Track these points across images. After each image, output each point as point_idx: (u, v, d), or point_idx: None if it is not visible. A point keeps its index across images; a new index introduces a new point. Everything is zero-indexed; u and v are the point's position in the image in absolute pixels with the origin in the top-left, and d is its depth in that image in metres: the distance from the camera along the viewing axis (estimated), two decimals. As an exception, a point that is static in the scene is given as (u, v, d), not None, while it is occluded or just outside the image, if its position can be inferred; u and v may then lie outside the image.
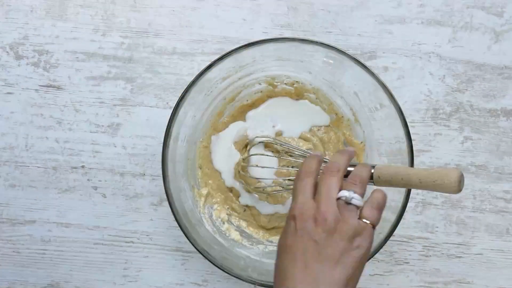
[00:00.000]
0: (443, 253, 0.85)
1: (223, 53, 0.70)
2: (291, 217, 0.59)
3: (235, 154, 0.81)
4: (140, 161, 0.85)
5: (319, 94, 0.80)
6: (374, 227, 0.59)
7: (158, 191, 0.84)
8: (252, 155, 0.78)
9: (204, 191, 0.81)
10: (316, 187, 0.61)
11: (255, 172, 0.78)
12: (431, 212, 0.85)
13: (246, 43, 0.70)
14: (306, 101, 0.81)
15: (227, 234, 0.80)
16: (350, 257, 0.56)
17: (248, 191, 0.80)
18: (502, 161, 0.86)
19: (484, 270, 0.85)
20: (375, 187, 0.62)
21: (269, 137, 0.79)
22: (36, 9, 0.85)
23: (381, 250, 0.72)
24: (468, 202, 0.85)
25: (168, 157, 0.70)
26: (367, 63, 0.83)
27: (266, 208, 0.81)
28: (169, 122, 0.71)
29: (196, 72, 0.71)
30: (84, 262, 0.85)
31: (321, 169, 0.63)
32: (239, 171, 0.80)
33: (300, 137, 0.80)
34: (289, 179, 0.76)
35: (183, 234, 0.72)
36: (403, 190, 0.69)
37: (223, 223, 0.81)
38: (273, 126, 0.81)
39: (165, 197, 0.71)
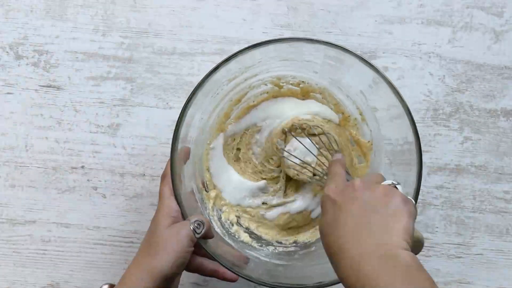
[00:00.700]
0: (443, 253, 0.85)
1: (230, 54, 0.68)
2: (330, 197, 0.59)
3: (230, 168, 0.80)
4: (140, 161, 0.85)
5: (325, 93, 0.80)
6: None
7: (158, 191, 0.84)
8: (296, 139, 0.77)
9: (213, 193, 0.80)
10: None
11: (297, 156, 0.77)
12: (431, 212, 0.85)
13: (251, 44, 0.69)
14: (313, 100, 0.81)
15: (236, 236, 0.79)
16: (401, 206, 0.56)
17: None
18: (502, 162, 0.86)
19: (484, 270, 0.85)
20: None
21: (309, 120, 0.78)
22: (36, 9, 0.85)
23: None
24: (468, 202, 0.85)
25: (176, 162, 0.68)
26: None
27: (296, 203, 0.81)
28: (176, 125, 0.68)
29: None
30: (84, 262, 0.85)
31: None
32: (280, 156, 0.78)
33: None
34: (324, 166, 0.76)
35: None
36: (413, 188, 0.69)
37: (232, 225, 0.80)
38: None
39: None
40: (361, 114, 0.79)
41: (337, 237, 0.56)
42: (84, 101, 0.85)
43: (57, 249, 0.85)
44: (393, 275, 0.50)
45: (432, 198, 0.85)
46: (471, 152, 0.86)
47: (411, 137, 0.69)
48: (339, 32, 0.86)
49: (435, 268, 0.85)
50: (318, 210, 0.81)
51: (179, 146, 0.68)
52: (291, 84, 0.79)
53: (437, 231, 0.85)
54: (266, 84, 0.79)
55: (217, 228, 0.78)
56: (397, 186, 0.59)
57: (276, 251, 0.79)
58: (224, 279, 0.69)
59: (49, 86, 0.85)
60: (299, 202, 0.81)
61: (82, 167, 0.85)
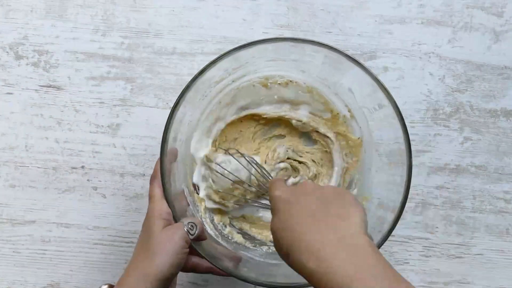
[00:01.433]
0: (443, 253, 0.85)
1: (219, 54, 0.69)
2: (281, 197, 0.59)
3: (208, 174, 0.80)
4: (140, 161, 0.85)
5: (313, 92, 0.80)
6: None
7: (158, 191, 0.84)
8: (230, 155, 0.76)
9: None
10: None
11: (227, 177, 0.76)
12: (431, 213, 0.85)
13: (243, 43, 0.69)
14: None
15: (230, 237, 0.79)
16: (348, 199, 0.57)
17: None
18: (502, 162, 0.86)
19: (484, 270, 0.85)
20: None
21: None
22: (36, 9, 0.85)
23: (381, 250, 0.72)
24: (468, 202, 0.85)
25: (166, 164, 0.68)
26: (367, 63, 0.83)
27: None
28: (165, 126, 0.67)
29: (196, 73, 0.70)
30: (84, 262, 0.85)
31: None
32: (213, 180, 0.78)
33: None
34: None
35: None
36: (402, 191, 0.69)
37: (225, 226, 0.80)
38: None
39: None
40: (350, 111, 0.79)
41: (292, 230, 0.55)
42: (84, 101, 0.85)
43: (57, 249, 0.85)
44: (355, 255, 0.50)
45: (432, 198, 0.85)
46: (471, 152, 0.86)
47: (401, 138, 0.69)
48: (339, 32, 0.86)
49: (435, 268, 0.85)
50: None
51: (168, 147, 0.68)
52: (279, 83, 0.79)
53: (437, 231, 0.85)
54: (254, 85, 0.79)
55: (210, 230, 0.78)
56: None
57: (270, 250, 0.79)
58: (220, 274, 0.70)
59: (49, 86, 0.85)
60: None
61: (82, 167, 0.85)
